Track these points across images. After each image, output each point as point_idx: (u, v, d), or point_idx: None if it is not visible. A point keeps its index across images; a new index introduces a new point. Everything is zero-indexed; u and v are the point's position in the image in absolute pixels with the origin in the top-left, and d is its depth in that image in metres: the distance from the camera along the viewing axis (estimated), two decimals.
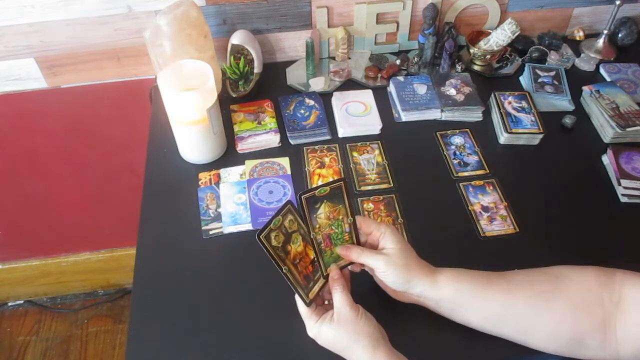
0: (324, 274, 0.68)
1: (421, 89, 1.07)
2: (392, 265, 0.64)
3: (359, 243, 0.69)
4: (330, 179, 0.91)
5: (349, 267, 0.70)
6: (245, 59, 1.07)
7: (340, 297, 0.64)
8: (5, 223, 1.47)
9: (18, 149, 1.28)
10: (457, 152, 0.97)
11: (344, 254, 0.68)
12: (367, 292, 0.72)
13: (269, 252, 0.62)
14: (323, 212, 0.66)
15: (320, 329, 0.64)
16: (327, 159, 0.96)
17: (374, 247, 0.69)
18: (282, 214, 0.64)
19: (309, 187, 0.90)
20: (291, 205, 0.65)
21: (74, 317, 1.65)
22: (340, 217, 0.68)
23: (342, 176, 0.93)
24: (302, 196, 0.64)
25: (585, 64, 1.15)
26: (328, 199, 0.66)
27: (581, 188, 0.92)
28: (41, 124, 1.23)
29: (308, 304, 0.65)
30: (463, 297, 0.66)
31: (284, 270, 0.63)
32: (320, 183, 0.92)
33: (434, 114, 1.04)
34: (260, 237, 0.61)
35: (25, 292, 1.68)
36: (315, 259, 0.67)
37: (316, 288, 0.67)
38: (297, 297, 0.66)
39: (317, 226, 0.66)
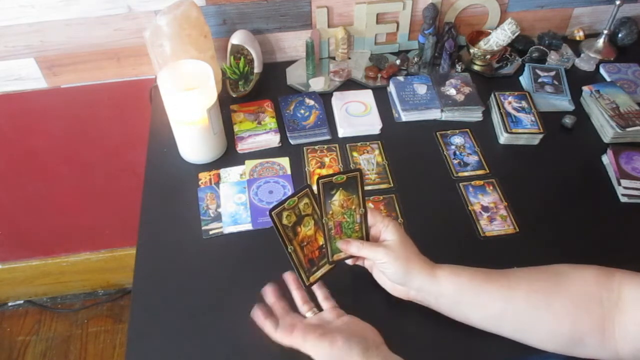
0: (330, 260, 0.69)
1: (421, 89, 1.07)
2: (392, 257, 0.65)
3: (368, 235, 0.70)
4: None
5: (347, 261, 0.71)
6: (245, 59, 1.07)
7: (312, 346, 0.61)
8: (5, 223, 1.47)
9: (18, 149, 1.28)
10: (457, 152, 0.97)
11: (344, 247, 0.68)
12: (366, 291, 0.72)
13: (278, 229, 0.64)
14: (337, 199, 0.68)
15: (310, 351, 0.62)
16: (327, 159, 0.96)
17: (375, 239, 0.70)
18: (299, 196, 0.66)
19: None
20: (310, 189, 0.67)
21: (74, 317, 1.65)
22: (353, 207, 0.69)
23: None
24: (320, 181, 0.66)
25: (585, 64, 1.15)
26: (344, 187, 0.68)
27: (581, 188, 0.92)
28: (41, 124, 1.23)
29: (306, 287, 0.67)
30: (462, 293, 0.66)
31: (289, 250, 0.65)
32: None
33: (434, 114, 1.04)
34: (272, 213, 0.63)
35: (25, 292, 1.68)
36: (324, 244, 0.69)
37: (319, 273, 0.68)
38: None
39: (331, 212, 0.68)
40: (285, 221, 0.65)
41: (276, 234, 0.64)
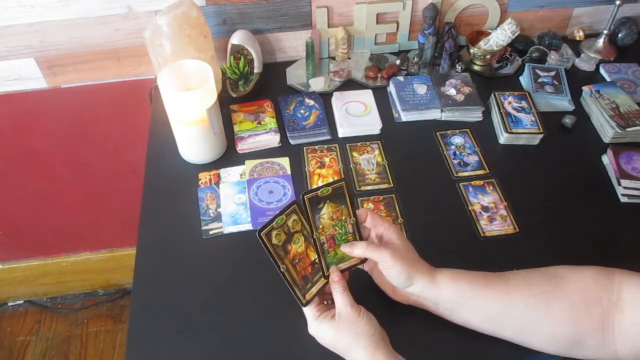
0: (325, 275, 0.68)
1: (421, 89, 1.07)
2: (398, 259, 0.65)
3: None
4: (331, 179, 0.91)
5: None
6: (245, 59, 1.07)
7: (341, 297, 0.64)
8: (5, 223, 1.47)
9: (18, 149, 1.28)
10: (457, 152, 0.97)
11: (349, 251, 0.68)
12: (367, 293, 0.71)
13: (268, 249, 0.63)
14: (326, 212, 0.67)
15: (320, 327, 0.64)
16: (327, 159, 0.96)
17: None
18: (287, 213, 0.64)
19: (309, 187, 0.90)
20: (297, 205, 0.66)
21: (74, 317, 1.65)
22: (344, 217, 0.68)
23: (342, 176, 0.93)
24: (305, 196, 0.65)
25: (585, 64, 1.15)
26: (330, 199, 0.67)
27: (581, 188, 0.92)
28: (41, 124, 1.23)
29: (304, 305, 0.65)
30: (462, 297, 0.66)
31: (282, 269, 0.64)
32: (320, 183, 0.92)
33: (434, 114, 1.04)
34: (261, 234, 0.62)
35: (25, 292, 1.68)
36: (317, 260, 0.67)
37: (314, 290, 0.67)
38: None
39: (321, 226, 0.67)
40: (275, 240, 0.63)
41: (267, 254, 0.63)
